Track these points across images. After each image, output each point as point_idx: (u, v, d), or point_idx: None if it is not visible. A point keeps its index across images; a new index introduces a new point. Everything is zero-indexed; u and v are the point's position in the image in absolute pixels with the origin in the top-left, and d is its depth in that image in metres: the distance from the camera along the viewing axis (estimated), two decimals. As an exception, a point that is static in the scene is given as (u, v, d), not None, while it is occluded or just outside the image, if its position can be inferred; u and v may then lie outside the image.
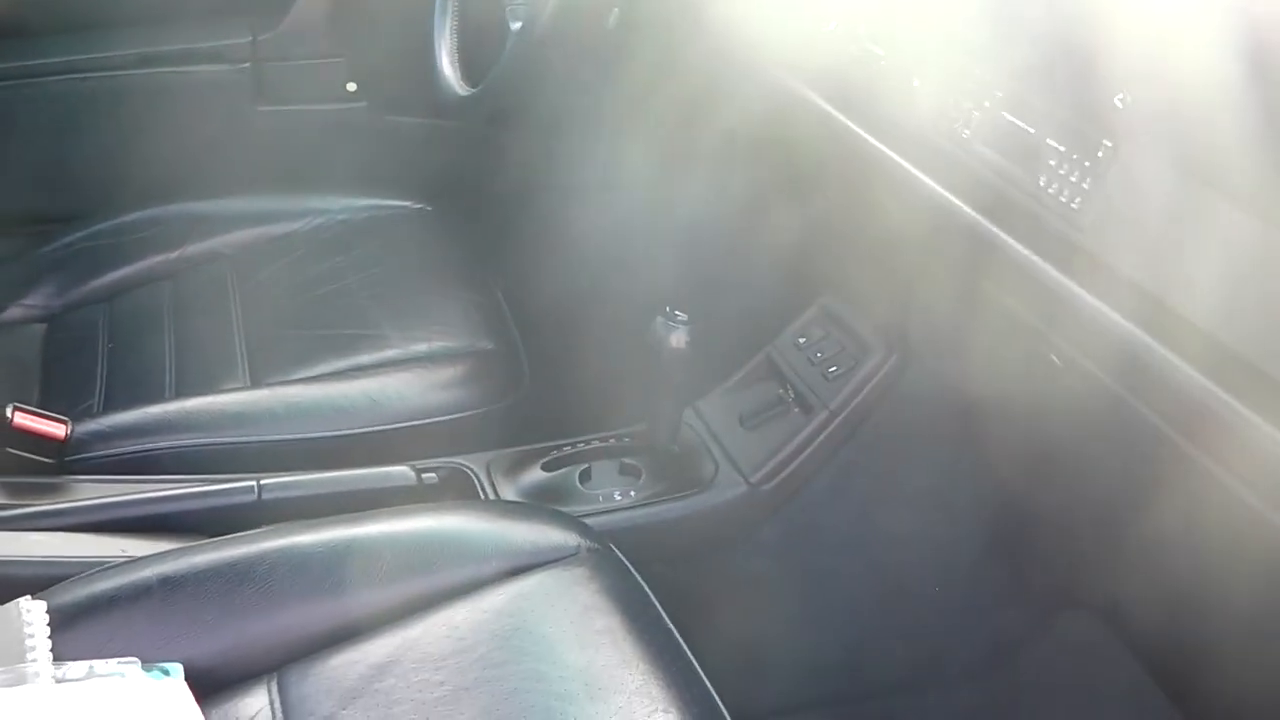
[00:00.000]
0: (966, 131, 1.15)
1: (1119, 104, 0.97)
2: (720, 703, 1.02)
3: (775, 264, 1.69)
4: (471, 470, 1.46)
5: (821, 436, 1.50)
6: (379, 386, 1.52)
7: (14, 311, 1.75)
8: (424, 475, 1.40)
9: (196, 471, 1.37)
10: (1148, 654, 1.39)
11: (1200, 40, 0.89)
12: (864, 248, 1.44)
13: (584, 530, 1.17)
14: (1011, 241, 1.10)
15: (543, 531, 1.14)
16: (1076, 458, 1.22)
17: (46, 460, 1.37)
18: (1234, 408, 0.89)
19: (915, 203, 1.22)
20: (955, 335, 1.31)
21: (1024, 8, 1.11)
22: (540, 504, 1.42)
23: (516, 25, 1.64)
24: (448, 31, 1.75)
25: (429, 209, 1.95)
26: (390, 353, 1.59)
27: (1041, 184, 1.06)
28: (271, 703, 0.99)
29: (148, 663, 0.96)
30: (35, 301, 1.76)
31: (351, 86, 2.09)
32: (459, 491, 1.44)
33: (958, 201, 1.16)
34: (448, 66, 1.74)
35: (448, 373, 1.57)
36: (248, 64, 2.03)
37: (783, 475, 1.49)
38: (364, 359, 1.58)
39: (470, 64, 1.74)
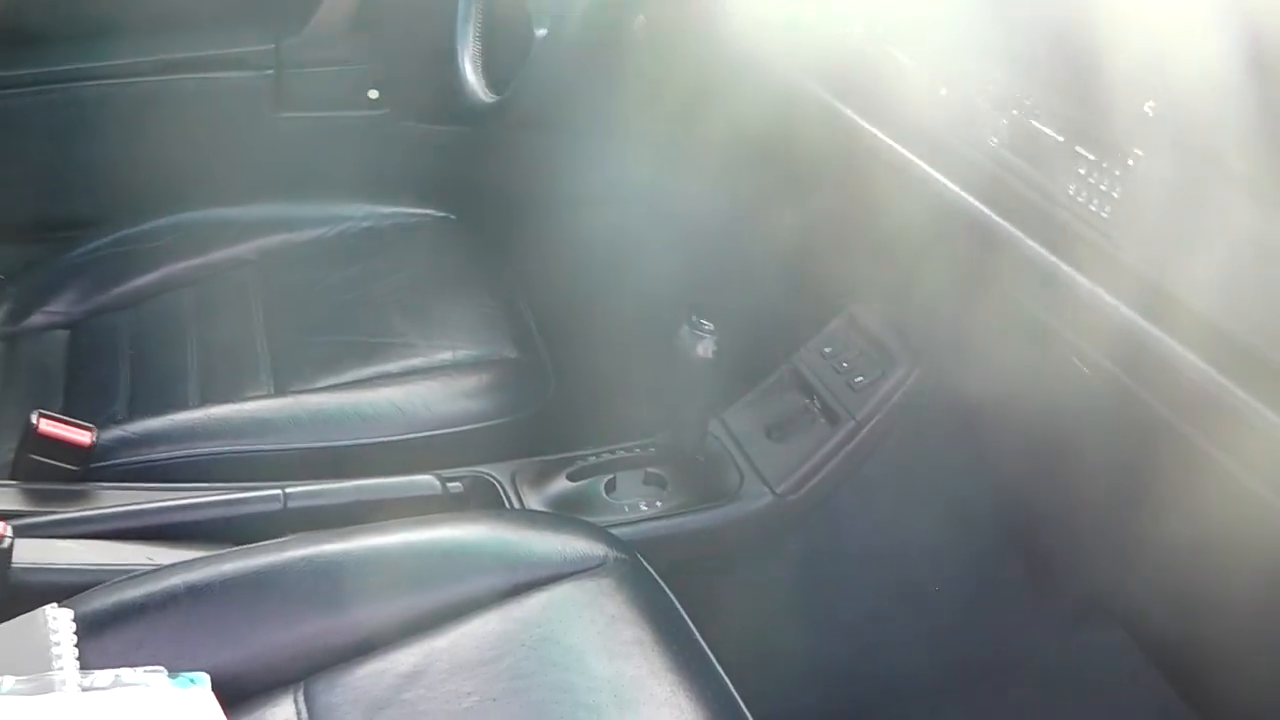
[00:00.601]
0: (994, 139, 1.15)
1: (1149, 111, 0.96)
2: (749, 713, 1.01)
3: (801, 273, 1.68)
4: (496, 480, 1.46)
5: (848, 447, 1.49)
6: (404, 395, 1.52)
7: (37, 318, 1.74)
8: (449, 484, 1.39)
9: (221, 479, 1.37)
10: (1168, 661, 1.38)
11: (1231, 46, 0.89)
12: (889, 256, 1.43)
13: (610, 540, 1.16)
14: (1041, 250, 1.09)
15: (569, 542, 1.14)
16: (1103, 468, 1.21)
17: (72, 468, 1.36)
18: (1267, 416, 0.89)
19: (942, 211, 1.21)
20: (982, 345, 1.30)
21: (1052, 14, 1.10)
22: (566, 514, 1.41)
23: (541, 32, 1.64)
24: (471, 38, 1.75)
25: (452, 217, 1.94)
26: (415, 361, 1.59)
27: (1071, 192, 1.05)
28: (299, 712, 0.99)
29: (174, 671, 0.96)
30: (58, 308, 1.76)
31: (374, 94, 2.08)
32: (484, 501, 1.44)
33: (986, 209, 1.16)
34: (471, 73, 1.74)
35: (472, 381, 1.56)
36: (270, 70, 2.03)
37: (809, 485, 1.48)
38: (389, 367, 1.58)
39: (494, 71, 1.74)
